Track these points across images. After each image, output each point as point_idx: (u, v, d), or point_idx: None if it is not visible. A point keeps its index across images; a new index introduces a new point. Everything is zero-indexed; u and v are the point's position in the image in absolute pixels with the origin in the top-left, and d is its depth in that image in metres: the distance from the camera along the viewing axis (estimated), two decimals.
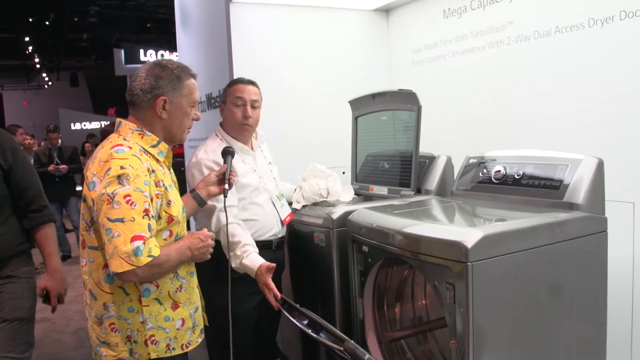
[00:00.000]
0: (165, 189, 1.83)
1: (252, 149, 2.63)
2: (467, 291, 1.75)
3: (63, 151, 7.21)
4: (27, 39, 15.73)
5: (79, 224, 1.89)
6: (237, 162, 2.43)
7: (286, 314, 2.13)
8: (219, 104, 2.66)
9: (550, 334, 1.98)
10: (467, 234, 1.77)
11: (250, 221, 2.50)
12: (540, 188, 2.20)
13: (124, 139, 1.82)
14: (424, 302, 2.50)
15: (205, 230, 1.95)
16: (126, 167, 1.71)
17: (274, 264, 2.28)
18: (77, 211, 7.12)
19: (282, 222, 2.62)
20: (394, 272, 2.39)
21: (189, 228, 2.27)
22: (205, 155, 2.48)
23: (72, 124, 18.89)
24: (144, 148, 1.83)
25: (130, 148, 1.78)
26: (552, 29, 2.72)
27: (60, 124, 9.65)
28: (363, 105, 3.10)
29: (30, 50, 17.32)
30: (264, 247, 2.53)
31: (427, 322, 2.45)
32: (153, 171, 1.79)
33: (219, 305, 2.18)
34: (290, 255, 2.80)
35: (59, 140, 7.30)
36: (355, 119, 3.18)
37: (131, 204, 1.67)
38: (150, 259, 1.66)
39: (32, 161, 7.31)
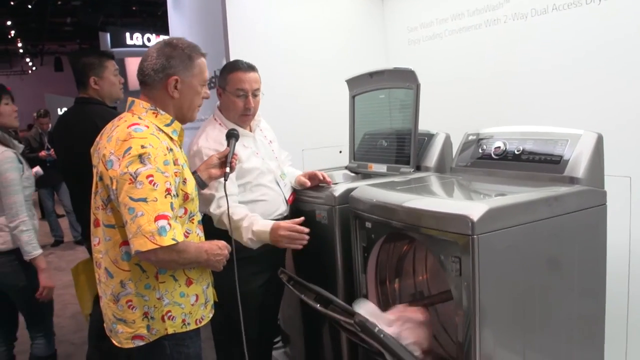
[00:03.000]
0: (182, 167, 1.84)
1: (250, 130, 2.63)
2: (472, 264, 1.78)
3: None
4: (9, 23, 15.45)
5: (92, 204, 1.88)
6: (238, 146, 2.37)
7: (293, 289, 2.15)
8: (217, 88, 2.62)
9: (552, 306, 2.02)
10: (473, 208, 1.80)
11: (259, 202, 2.51)
12: (540, 163, 2.23)
13: (139, 118, 1.83)
14: (424, 276, 2.53)
15: (223, 242, 1.97)
16: (146, 146, 1.72)
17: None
18: (69, 196, 7.07)
19: (286, 201, 2.63)
20: (395, 248, 2.42)
21: None
22: (206, 143, 2.46)
23: (59, 109, 18.66)
24: (158, 127, 1.84)
25: (148, 127, 1.79)
26: (549, 6, 2.74)
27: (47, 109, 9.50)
28: (360, 84, 3.10)
29: (12, 35, 17.02)
30: None
31: (429, 297, 2.49)
32: (170, 150, 1.80)
33: (226, 285, 2.19)
34: None
35: (50, 125, 7.23)
36: (353, 98, 3.19)
37: (153, 184, 1.69)
38: (173, 242, 1.68)
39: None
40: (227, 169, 2.18)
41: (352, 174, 3.16)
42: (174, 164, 1.79)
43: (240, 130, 2.51)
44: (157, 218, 1.66)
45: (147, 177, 1.68)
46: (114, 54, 3.21)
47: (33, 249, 2.74)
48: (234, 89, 2.49)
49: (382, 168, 2.94)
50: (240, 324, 2.08)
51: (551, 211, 1.96)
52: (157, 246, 1.65)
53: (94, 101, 2.91)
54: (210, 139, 2.47)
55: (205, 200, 2.38)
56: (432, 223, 1.91)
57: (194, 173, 2.23)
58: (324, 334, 2.80)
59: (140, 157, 1.70)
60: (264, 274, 2.34)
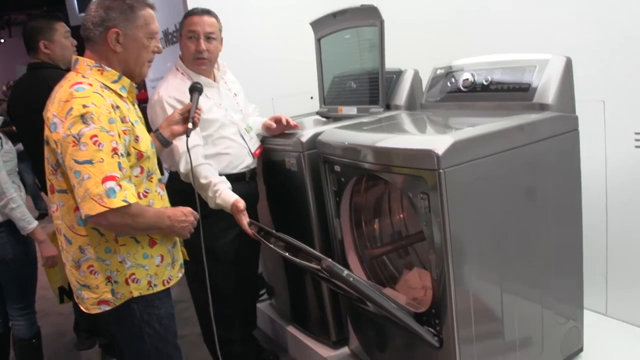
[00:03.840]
0: (132, 124, 1.75)
1: (215, 80, 2.54)
2: (441, 199, 1.74)
3: None
4: None
5: (45, 170, 1.81)
6: (200, 97, 2.27)
7: (263, 240, 2.11)
8: (178, 38, 2.56)
9: (527, 236, 2.00)
10: (438, 142, 1.74)
11: (222, 155, 2.46)
12: (509, 92, 2.16)
13: (83, 77, 1.73)
14: (401, 215, 2.50)
15: (189, 208, 1.90)
16: (89, 105, 1.62)
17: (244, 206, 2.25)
18: None
19: (252, 154, 2.57)
20: (369, 189, 2.37)
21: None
22: (167, 92, 2.39)
23: None
24: (104, 84, 1.74)
25: (91, 85, 1.69)
26: None
27: None
28: (325, 26, 2.99)
29: None
30: (238, 179, 2.50)
31: (407, 237, 2.46)
32: (117, 107, 1.71)
33: (198, 242, 2.13)
34: (264, 184, 2.76)
35: None
36: (318, 41, 3.08)
37: (98, 145, 1.60)
38: (124, 204, 1.61)
39: None
40: (190, 125, 2.09)
41: (323, 119, 3.09)
42: (122, 122, 1.71)
43: (203, 80, 2.44)
44: (105, 179, 1.59)
45: (91, 137, 1.60)
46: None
47: (27, 224, 2.67)
48: (187, 31, 2.46)
49: (352, 110, 2.87)
50: (206, 282, 2.06)
51: (520, 140, 1.91)
52: (106, 209, 1.58)
53: (46, 65, 2.80)
54: (171, 88, 2.42)
55: (171, 152, 2.31)
56: (398, 161, 1.86)
57: (156, 131, 2.15)
58: (306, 284, 2.78)
59: (83, 117, 1.61)
60: (235, 228, 2.29)
